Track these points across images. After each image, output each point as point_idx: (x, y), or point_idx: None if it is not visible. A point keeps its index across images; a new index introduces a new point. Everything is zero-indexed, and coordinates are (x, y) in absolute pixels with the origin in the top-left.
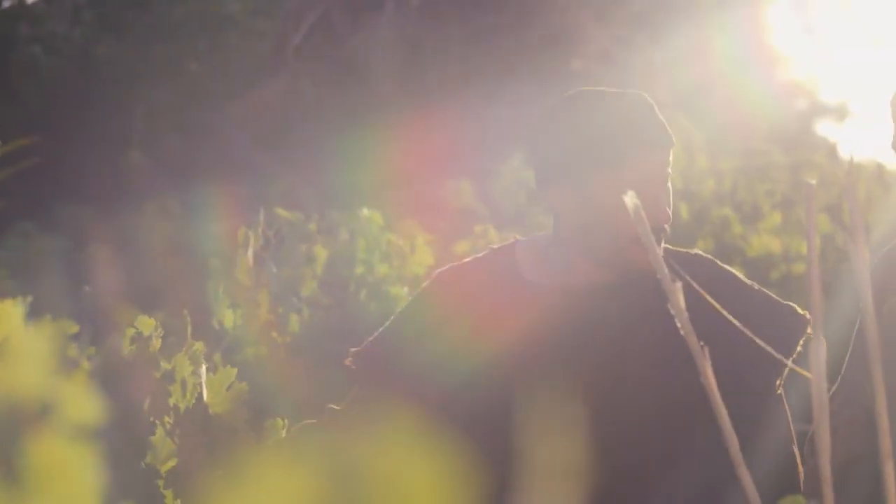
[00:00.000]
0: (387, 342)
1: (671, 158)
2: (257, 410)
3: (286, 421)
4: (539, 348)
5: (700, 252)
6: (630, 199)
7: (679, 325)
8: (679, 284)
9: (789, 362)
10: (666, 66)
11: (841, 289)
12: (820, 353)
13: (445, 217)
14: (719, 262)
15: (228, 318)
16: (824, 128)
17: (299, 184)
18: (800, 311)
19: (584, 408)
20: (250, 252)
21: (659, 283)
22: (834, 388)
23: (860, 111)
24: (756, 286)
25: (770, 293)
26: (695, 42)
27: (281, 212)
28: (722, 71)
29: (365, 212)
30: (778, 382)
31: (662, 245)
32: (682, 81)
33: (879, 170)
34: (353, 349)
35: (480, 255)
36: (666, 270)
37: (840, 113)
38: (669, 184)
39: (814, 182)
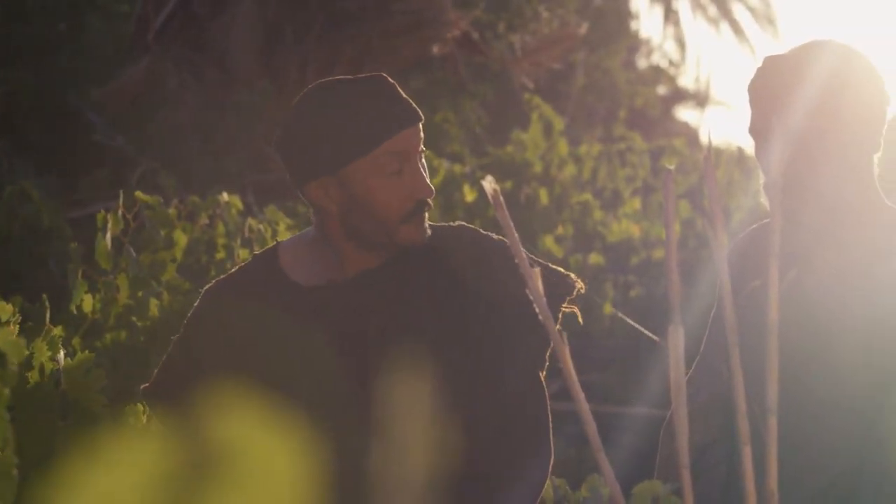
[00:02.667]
0: (173, 369)
1: (422, 135)
2: (116, 396)
3: (146, 406)
4: (316, 348)
5: (464, 223)
6: (488, 183)
7: (537, 309)
8: (537, 269)
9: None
10: (527, 51)
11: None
12: (678, 339)
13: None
14: (483, 231)
15: (87, 302)
16: (685, 113)
17: (159, 168)
18: (570, 278)
19: (374, 392)
20: (109, 236)
21: (428, 260)
22: (690, 372)
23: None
24: (528, 253)
25: (539, 259)
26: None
27: (141, 195)
28: (582, 56)
29: (225, 196)
30: (542, 347)
31: (426, 221)
32: (542, 66)
33: (740, 155)
34: (143, 386)
35: (244, 263)
36: (524, 255)
37: (700, 98)
38: (424, 160)
39: (673, 168)
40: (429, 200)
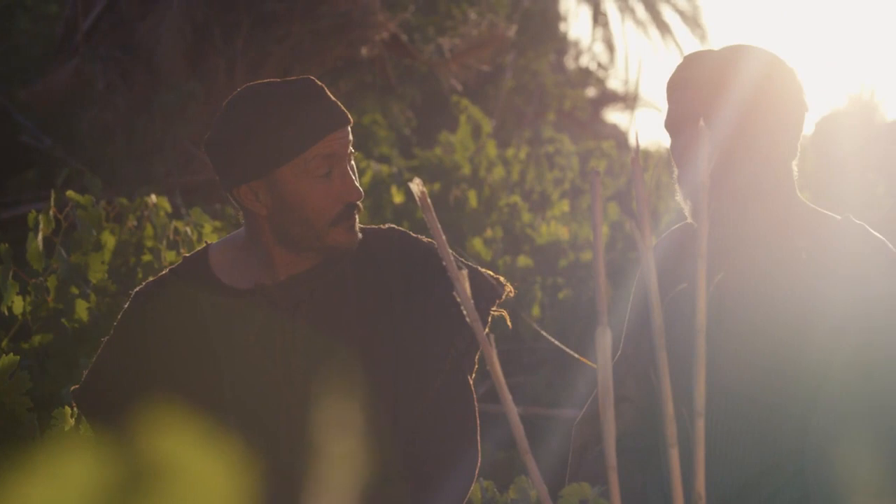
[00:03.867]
0: (103, 372)
1: (351, 138)
2: (43, 399)
3: (74, 409)
4: (245, 350)
5: (393, 226)
6: (416, 185)
7: (465, 311)
8: (464, 272)
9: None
10: (455, 53)
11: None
12: (606, 341)
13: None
14: (412, 234)
15: (18, 304)
16: (613, 115)
17: (86, 169)
18: (499, 281)
19: (302, 396)
20: (41, 237)
21: (358, 263)
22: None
23: (649, 99)
24: (452, 254)
25: (468, 262)
26: (483, 29)
27: (73, 195)
28: (511, 58)
29: (153, 198)
30: (471, 350)
31: (356, 224)
32: (470, 68)
33: (668, 157)
34: (72, 387)
35: (174, 265)
36: (451, 258)
37: (629, 101)
38: (353, 162)
39: (601, 170)
40: (358, 203)
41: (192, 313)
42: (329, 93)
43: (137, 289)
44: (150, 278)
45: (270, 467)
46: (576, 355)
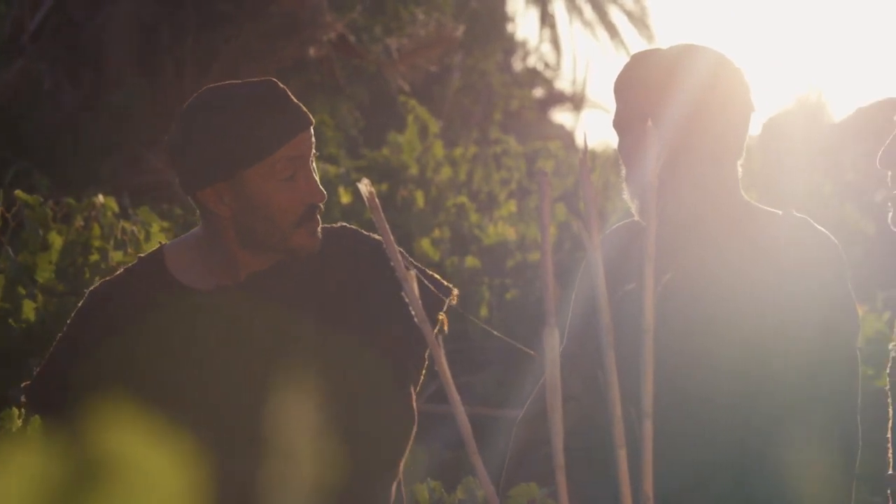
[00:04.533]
0: (56, 369)
1: (314, 139)
2: None
3: (22, 411)
4: (205, 351)
5: (345, 224)
6: (364, 185)
7: (413, 312)
8: (413, 272)
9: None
10: (403, 53)
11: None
12: (553, 341)
13: (181, 203)
14: (364, 232)
15: None
16: (561, 116)
17: (33, 168)
18: (444, 283)
19: (261, 397)
20: None
21: (315, 262)
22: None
23: (596, 100)
24: (406, 255)
25: (417, 264)
26: (431, 29)
27: (21, 195)
28: (458, 58)
29: (100, 198)
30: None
31: (319, 226)
32: (418, 69)
33: (616, 157)
34: (23, 384)
35: (130, 265)
36: (401, 259)
37: (576, 101)
38: (314, 164)
39: (548, 170)
40: (321, 205)
41: (148, 313)
42: (291, 95)
43: (92, 288)
44: (99, 279)
45: (229, 469)
46: (530, 351)
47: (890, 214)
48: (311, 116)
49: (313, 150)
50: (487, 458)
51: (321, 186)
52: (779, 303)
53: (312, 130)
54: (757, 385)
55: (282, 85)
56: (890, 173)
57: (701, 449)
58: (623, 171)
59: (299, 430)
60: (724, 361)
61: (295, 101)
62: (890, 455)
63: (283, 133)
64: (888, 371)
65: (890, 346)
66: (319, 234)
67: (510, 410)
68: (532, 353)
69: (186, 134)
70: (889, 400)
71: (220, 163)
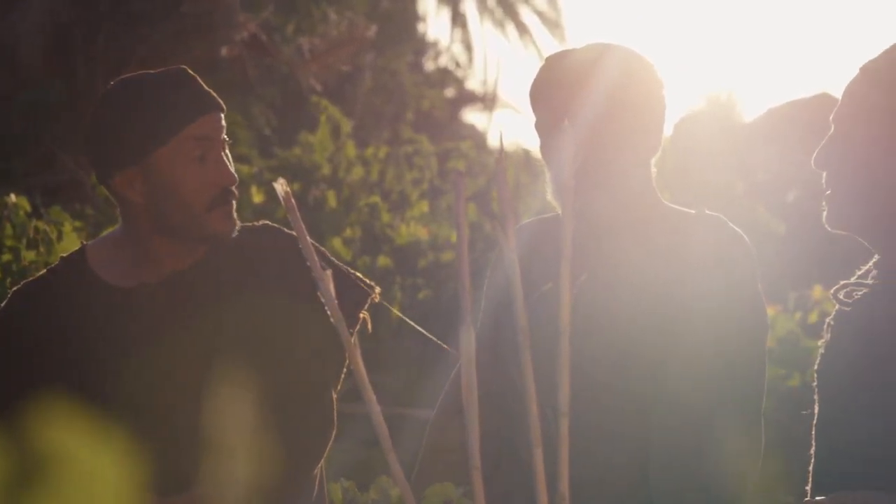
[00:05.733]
0: None
1: (224, 123)
2: None
3: None
4: (128, 349)
5: (268, 222)
6: (280, 185)
7: (329, 312)
8: (329, 272)
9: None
10: (315, 53)
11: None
12: (469, 341)
13: (94, 203)
14: (286, 230)
15: None
16: (472, 116)
17: None
18: (364, 282)
19: (187, 395)
20: None
21: (237, 259)
22: (457, 368)
23: (508, 100)
24: (326, 254)
25: (339, 263)
26: (343, 29)
27: None
28: (370, 58)
29: (13, 198)
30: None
31: (234, 211)
32: (330, 68)
33: (527, 157)
34: None
35: (52, 265)
36: (316, 259)
37: (487, 101)
38: (227, 150)
39: (463, 170)
40: (234, 189)
41: (73, 312)
42: (201, 81)
43: (15, 288)
44: (11, 279)
45: (158, 466)
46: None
47: (824, 214)
48: (221, 102)
49: (224, 136)
50: (398, 457)
51: (234, 171)
52: (689, 302)
53: (223, 118)
54: (663, 384)
55: (191, 72)
56: (825, 174)
57: (606, 448)
58: (547, 174)
59: (223, 429)
60: (634, 360)
61: (204, 86)
62: (812, 451)
63: (188, 113)
64: (815, 368)
65: (819, 343)
66: (235, 220)
67: (421, 410)
68: (447, 347)
69: (97, 122)
70: (815, 397)
71: (128, 147)
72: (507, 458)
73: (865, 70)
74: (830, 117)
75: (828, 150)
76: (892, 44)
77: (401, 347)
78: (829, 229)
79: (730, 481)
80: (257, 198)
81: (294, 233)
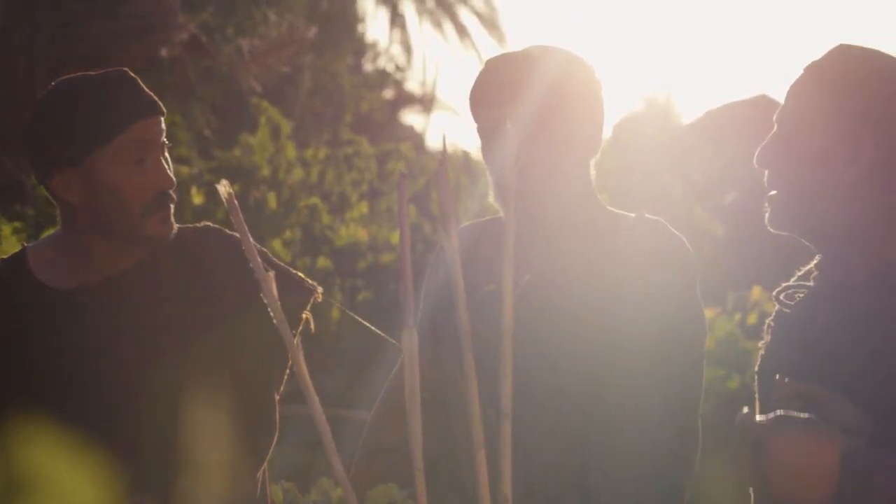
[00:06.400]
0: None
1: (164, 126)
2: None
3: None
4: (69, 352)
5: (210, 224)
6: (223, 187)
7: (272, 313)
8: (271, 273)
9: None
10: (255, 54)
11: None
12: (412, 342)
13: (34, 204)
14: (228, 231)
15: None
16: (410, 118)
17: None
18: (306, 283)
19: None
20: None
21: (179, 261)
22: (395, 369)
23: (446, 101)
24: (268, 255)
25: (281, 264)
26: (283, 30)
27: None
28: (310, 60)
29: None
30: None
31: (171, 214)
32: (270, 70)
33: (465, 159)
34: None
35: None
36: (259, 260)
37: (426, 103)
38: (167, 153)
39: (405, 172)
40: (172, 193)
41: (12, 315)
42: (141, 83)
43: None
44: None
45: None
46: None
47: (766, 215)
48: (161, 105)
49: (164, 139)
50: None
51: (172, 175)
52: (628, 305)
53: (163, 121)
54: (600, 387)
55: (133, 74)
56: (767, 172)
57: (544, 450)
58: (489, 176)
59: (164, 432)
60: (571, 361)
61: (144, 88)
62: None
63: (130, 116)
64: (755, 369)
65: (759, 345)
66: (172, 223)
67: (360, 411)
68: (393, 341)
69: (36, 122)
70: (755, 397)
71: (67, 148)
72: (445, 459)
73: (810, 70)
74: (774, 116)
75: (771, 149)
76: (837, 45)
77: (339, 349)
78: (771, 230)
79: (667, 483)
80: (197, 199)
81: (236, 234)
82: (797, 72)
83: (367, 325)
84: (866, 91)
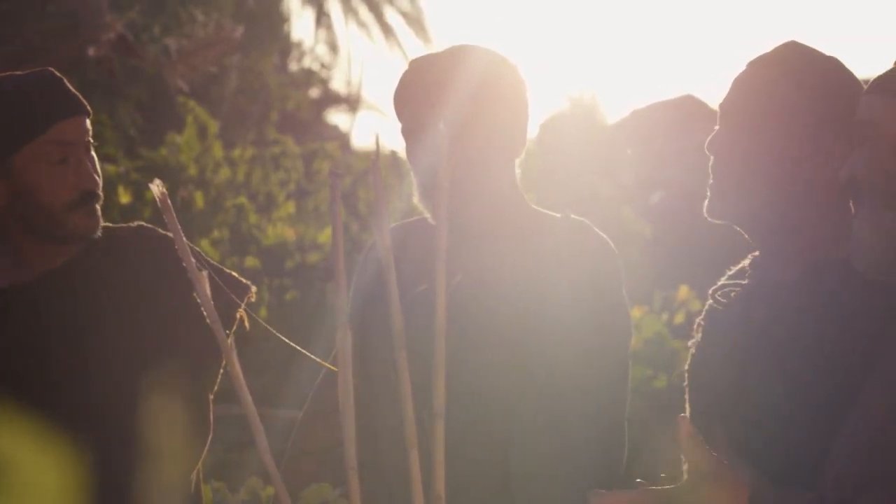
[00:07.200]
0: None
1: (89, 126)
2: None
3: None
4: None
5: (143, 224)
6: (156, 186)
7: (205, 312)
8: (204, 273)
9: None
10: (182, 54)
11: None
12: (346, 342)
13: None
14: (161, 231)
15: None
16: (336, 117)
17: None
18: (239, 282)
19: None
20: None
21: (110, 260)
22: (324, 369)
23: (372, 101)
24: (201, 254)
25: (215, 263)
26: (209, 30)
27: None
28: (236, 59)
29: None
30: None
31: (98, 210)
32: (197, 69)
33: (393, 158)
34: None
35: None
36: (192, 260)
37: (352, 102)
38: (93, 152)
39: (325, 171)
40: (98, 192)
41: None
42: (67, 83)
43: None
44: None
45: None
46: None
47: (706, 203)
48: (85, 105)
49: (89, 139)
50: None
51: (96, 175)
52: (554, 306)
53: (89, 122)
54: (525, 386)
55: (58, 74)
56: (712, 160)
57: (472, 449)
58: (413, 177)
59: (94, 433)
60: (497, 361)
61: (69, 88)
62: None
63: (52, 116)
64: (686, 368)
65: (689, 343)
66: (99, 218)
67: (287, 410)
68: (314, 357)
69: None
70: (686, 397)
71: None
72: (370, 461)
73: (754, 65)
74: (717, 105)
75: (723, 138)
76: (784, 41)
77: (267, 348)
78: (708, 218)
79: (593, 482)
80: (124, 198)
81: (169, 233)
82: (721, 71)
83: (285, 339)
84: (837, 95)
